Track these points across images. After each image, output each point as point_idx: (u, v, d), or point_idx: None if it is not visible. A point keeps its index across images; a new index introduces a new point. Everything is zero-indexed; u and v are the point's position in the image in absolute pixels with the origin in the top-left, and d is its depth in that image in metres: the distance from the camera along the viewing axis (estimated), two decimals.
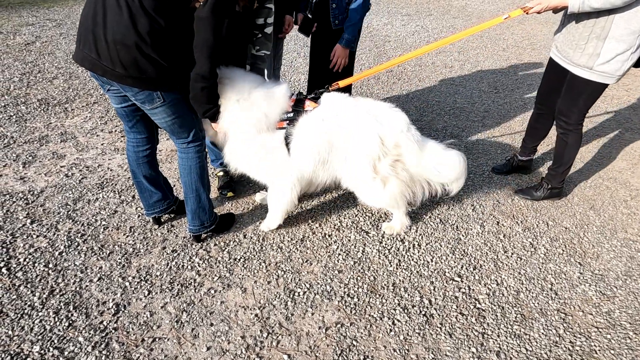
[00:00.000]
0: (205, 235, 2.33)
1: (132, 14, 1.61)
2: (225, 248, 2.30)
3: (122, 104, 1.94)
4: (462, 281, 2.23)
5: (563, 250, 2.48)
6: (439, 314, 2.04)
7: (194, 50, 1.82)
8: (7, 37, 4.68)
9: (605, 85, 2.42)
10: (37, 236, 2.28)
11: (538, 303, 2.14)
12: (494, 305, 2.11)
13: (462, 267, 2.32)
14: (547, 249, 2.48)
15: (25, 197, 2.54)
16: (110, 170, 2.83)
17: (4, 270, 2.07)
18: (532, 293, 2.20)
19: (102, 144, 3.09)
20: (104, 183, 2.71)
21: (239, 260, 2.24)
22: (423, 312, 2.04)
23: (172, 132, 2.00)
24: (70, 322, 1.86)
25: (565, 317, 2.08)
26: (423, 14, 6.69)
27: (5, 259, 2.13)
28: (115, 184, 2.70)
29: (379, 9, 6.76)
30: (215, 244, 2.32)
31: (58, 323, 1.85)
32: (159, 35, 1.67)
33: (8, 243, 2.22)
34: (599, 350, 1.93)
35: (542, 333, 1.99)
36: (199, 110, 2.00)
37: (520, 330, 1.99)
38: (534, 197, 2.85)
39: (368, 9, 2.74)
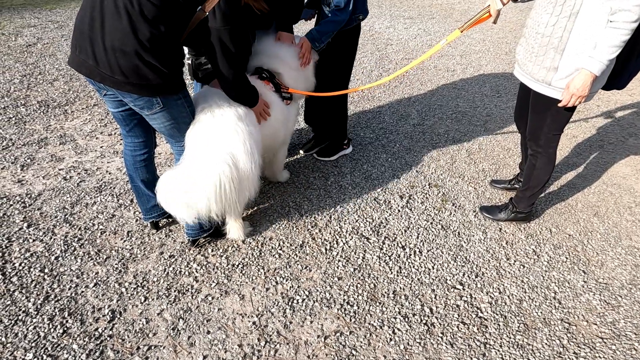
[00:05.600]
0: (203, 240, 2.30)
1: (131, 21, 1.58)
2: (224, 254, 2.27)
3: (119, 108, 1.92)
4: (463, 289, 2.19)
5: (567, 258, 2.44)
6: (440, 323, 2.00)
7: (217, 63, 1.90)
8: (8, 38, 4.67)
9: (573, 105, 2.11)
10: (34, 240, 2.26)
11: (541, 312, 2.10)
12: (497, 315, 2.07)
13: (464, 274, 2.28)
14: (550, 257, 2.44)
15: (22, 200, 2.51)
16: (109, 173, 2.81)
17: None
18: (535, 302, 2.16)
19: (101, 147, 3.07)
20: (102, 186, 2.68)
21: (237, 266, 2.21)
22: (424, 321, 2.01)
23: (171, 136, 1.97)
24: (65, 328, 1.83)
25: (569, 327, 2.04)
26: (425, 17, 6.66)
27: (0, 263, 2.11)
28: (114, 188, 2.68)
29: (381, 12, 6.74)
30: (213, 250, 2.29)
31: (52, 330, 1.82)
32: (160, 42, 1.64)
33: (4, 247, 2.20)
34: None
35: (546, 343, 1.95)
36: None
37: (523, 341, 1.95)
38: (497, 217, 2.65)
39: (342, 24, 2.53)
